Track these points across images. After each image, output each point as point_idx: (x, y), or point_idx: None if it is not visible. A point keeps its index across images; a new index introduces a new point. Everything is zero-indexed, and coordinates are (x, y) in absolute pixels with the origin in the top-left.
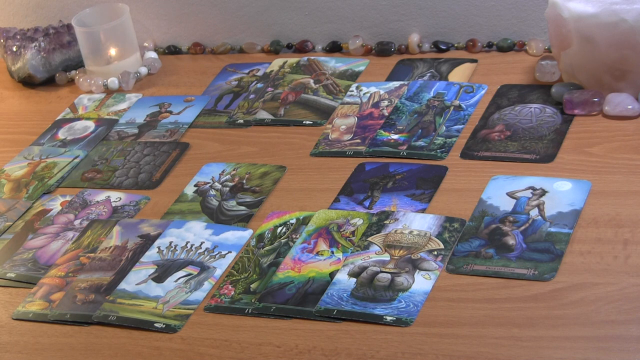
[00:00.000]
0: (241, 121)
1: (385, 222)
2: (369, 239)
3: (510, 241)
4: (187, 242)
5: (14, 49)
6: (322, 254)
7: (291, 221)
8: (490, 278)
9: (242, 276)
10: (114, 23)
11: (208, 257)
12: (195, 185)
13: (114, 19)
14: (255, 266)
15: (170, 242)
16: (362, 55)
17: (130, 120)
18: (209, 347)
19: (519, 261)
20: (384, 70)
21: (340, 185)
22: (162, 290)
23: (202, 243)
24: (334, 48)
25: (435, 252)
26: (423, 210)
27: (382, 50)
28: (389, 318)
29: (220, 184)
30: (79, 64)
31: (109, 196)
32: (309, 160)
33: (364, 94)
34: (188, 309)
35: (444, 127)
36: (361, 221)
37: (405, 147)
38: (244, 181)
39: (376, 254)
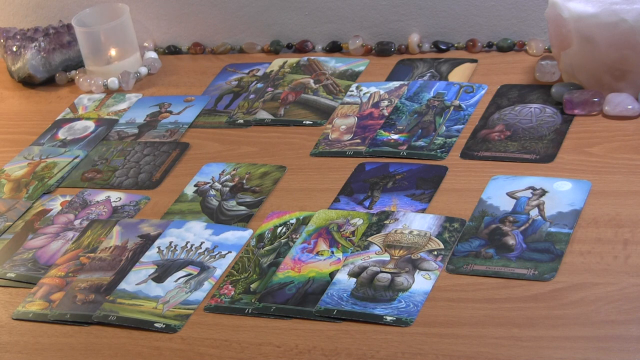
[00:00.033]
0: (241, 121)
1: (385, 222)
2: (369, 239)
3: (510, 241)
4: (187, 242)
5: (14, 49)
6: (322, 254)
7: (291, 221)
8: (490, 278)
9: (242, 276)
10: (114, 23)
11: (208, 257)
12: (195, 185)
13: (114, 19)
14: (255, 266)
15: (170, 242)
16: (362, 55)
17: (130, 120)
18: (209, 347)
19: (519, 261)
20: (384, 70)
21: (340, 185)
22: (162, 290)
23: (202, 243)
24: (334, 48)
25: (435, 252)
26: (423, 210)
27: (382, 50)
28: (389, 318)
29: (220, 184)
30: (79, 64)
31: (109, 196)
32: (309, 160)
33: (364, 94)
34: (188, 309)
35: (444, 127)
36: (361, 221)
37: (405, 147)
38: (244, 181)
39: (376, 254)
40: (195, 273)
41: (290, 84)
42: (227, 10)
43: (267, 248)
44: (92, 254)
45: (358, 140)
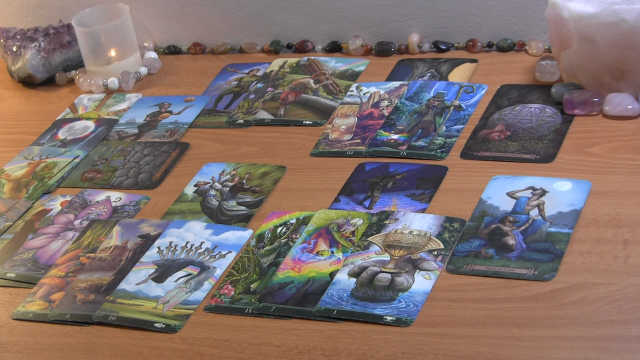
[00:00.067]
0: (241, 121)
1: (385, 222)
2: (369, 239)
3: (510, 241)
4: (187, 242)
5: (14, 49)
6: (322, 254)
7: (291, 221)
8: (490, 278)
9: (242, 276)
10: (114, 23)
11: (208, 257)
12: (195, 185)
13: (114, 19)
14: (255, 266)
15: (170, 242)
16: (362, 55)
17: (130, 120)
18: (209, 347)
19: (519, 261)
20: (384, 70)
21: (340, 185)
22: (162, 290)
23: (202, 243)
24: (334, 48)
25: (435, 252)
26: (423, 210)
27: (382, 50)
28: (389, 318)
29: (220, 184)
30: (79, 64)
31: (109, 196)
32: (309, 160)
33: (364, 94)
34: (188, 309)
35: (444, 127)
36: (361, 221)
37: (405, 147)
38: (244, 181)
39: (376, 254)
40: (195, 273)
41: (290, 84)
42: (227, 10)
43: (267, 248)
44: (92, 254)
45: (358, 140)
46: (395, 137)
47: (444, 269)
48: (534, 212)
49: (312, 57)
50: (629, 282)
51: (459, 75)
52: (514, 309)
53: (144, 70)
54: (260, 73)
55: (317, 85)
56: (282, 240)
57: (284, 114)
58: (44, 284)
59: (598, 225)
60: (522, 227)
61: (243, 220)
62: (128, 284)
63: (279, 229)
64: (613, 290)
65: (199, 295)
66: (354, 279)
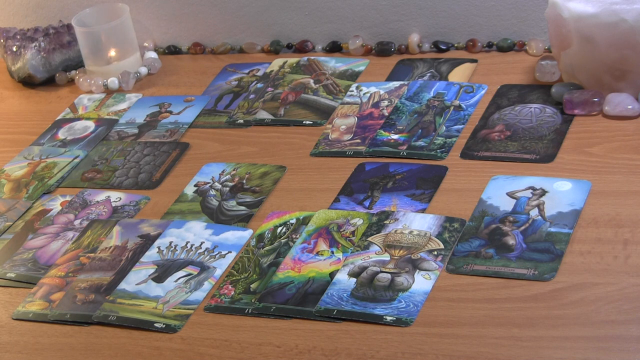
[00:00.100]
0: (241, 121)
1: (385, 222)
2: (369, 239)
3: (510, 241)
4: (187, 242)
5: (14, 49)
6: (322, 254)
7: (291, 221)
8: (490, 278)
9: (242, 276)
10: (114, 23)
11: (208, 257)
12: (195, 185)
13: (114, 19)
14: (255, 266)
15: (170, 242)
16: (362, 55)
17: (130, 120)
18: (209, 347)
19: (519, 261)
20: (384, 70)
21: (340, 185)
22: (162, 290)
23: (202, 243)
24: (334, 48)
25: (435, 252)
26: (423, 210)
27: (382, 50)
28: (389, 318)
29: (220, 184)
30: (79, 64)
31: (109, 196)
32: (309, 160)
33: (364, 94)
34: (188, 309)
35: (444, 127)
36: (361, 221)
37: (405, 147)
38: (244, 181)
39: (376, 254)
40: (195, 273)
41: (290, 84)
42: (227, 10)
43: (267, 248)
44: (92, 254)
45: (358, 140)
46: (395, 137)
47: (444, 269)
48: (534, 212)
49: (312, 57)
50: (629, 282)
51: (459, 75)
52: (514, 309)
53: (144, 70)
54: (260, 73)
55: (317, 85)
56: (282, 240)
57: (284, 114)
58: (44, 284)
59: (598, 225)
60: (522, 227)
61: (243, 220)
62: (128, 284)
63: (279, 229)
64: (613, 290)
65: (199, 295)
66: (354, 279)
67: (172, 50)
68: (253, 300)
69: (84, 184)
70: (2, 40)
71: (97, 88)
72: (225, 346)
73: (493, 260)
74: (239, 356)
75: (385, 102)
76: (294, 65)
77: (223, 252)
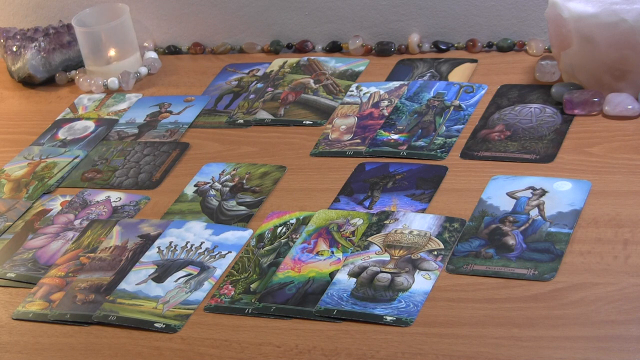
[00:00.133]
0: (241, 121)
1: (385, 222)
2: (369, 239)
3: (510, 241)
4: (187, 242)
5: (14, 49)
6: (322, 254)
7: (291, 221)
8: (490, 278)
9: (242, 276)
10: (114, 23)
11: (208, 257)
12: (195, 185)
13: (114, 19)
14: (255, 266)
15: (170, 242)
16: (362, 55)
17: (130, 120)
18: (209, 347)
19: (519, 261)
20: (384, 70)
21: (340, 185)
22: (162, 290)
23: (202, 243)
24: (334, 48)
25: (435, 252)
26: (423, 210)
27: (382, 50)
28: (389, 318)
29: (220, 184)
30: (79, 64)
31: (109, 196)
32: (309, 160)
33: (364, 94)
34: (188, 309)
35: (444, 127)
36: (361, 221)
37: (405, 147)
38: (244, 181)
39: (376, 254)
40: (195, 273)
41: (290, 84)
42: (227, 10)
43: (267, 248)
44: (92, 254)
45: (358, 140)
46: (395, 137)
47: (444, 269)
48: (534, 212)
49: (312, 57)
50: (629, 282)
51: (459, 75)
52: (514, 309)
53: (144, 70)
54: (260, 73)
55: (317, 85)
56: (282, 240)
57: (284, 114)
58: (44, 284)
59: (598, 225)
60: (522, 227)
61: (243, 220)
62: (128, 284)
63: (279, 229)
64: (613, 290)
65: (199, 295)
66: (354, 279)
67: (172, 50)
68: (253, 300)
69: (84, 184)
70: (2, 40)
71: (97, 88)
72: (225, 346)
73: (493, 260)
74: (239, 356)
75: (385, 102)
76: (294, 65)
77: (223, 252)
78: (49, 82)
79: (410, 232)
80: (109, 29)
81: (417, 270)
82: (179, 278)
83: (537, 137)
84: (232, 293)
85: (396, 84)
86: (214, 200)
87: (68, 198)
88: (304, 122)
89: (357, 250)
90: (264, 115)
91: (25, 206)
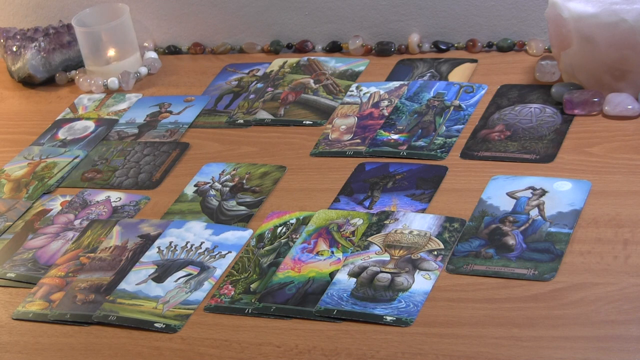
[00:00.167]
0: (241, 121)
1: (385, 222)
2: (369, 239)
3: (510, 241)
4: (187, 242)
5: (14, 49)
6: (322, 254)
7: (291, 221)
8: (490, 278)
9: (242, 276)
10: (114, 23)
11: (208, 257)
12: (195, 185)
13: (114, 19)
14: (255, 266)
15: (170, 242)
16: (362, 55)
17: (130, 120)
18: (209, 347)
19: (519, 261)
20: (384, 70)
21: (340, 185)
22: (162, 290)
23: (202, 243)
24: (334, 48)
25: (435, 252)
26: (423, 210)
27: (382, 50)
28: (389, 318)
29: (220, 184)
30: (79, 64)
31: (109, 196)
32: (309, 160)
33: (364, 94)
34: (188, 309)
35: (444, 127)
36: (361, 221)
37: (405, 147)
38: (244, 181)
39: (376, 254)
40: (195, 273)
41: (290, 84)
42: (227, 10)
43: (267, 248)
44: (92, 254)
45: (358, 140)
46: (395, 137)
47: (444, 269)
48: (534, 212)
49: (312, 57)
50: (629, 282)
51: (459, 75)
52: (514, 309)
53: (144, 70)
54: (260, 73)
55: (317, 85)
56: (282, 240)
57: (284, 114)
58: (44, 284)
59: (598, 225)
60: (522, 227)
61: (243, 220)
62: (128, 284)
63: (279, 229)
64: (613, 290)
65: (199, 295)
66: (354, 279)
67: (172, 50)
68: (253, 300)
69: (84, 184)
70: (2, 40)
71: (97, 88)
72: (225, 346)
73: (493, 260)
74: (239, 356)
75: (385, 102)
76: (294, 65)
77: (223, 252)
78: (49, 82)
79: (410, 232)
80: (109, 29)
81: (417, 270)
82: (179, 278)
83: (537, 137)
84: (232, 293)
85: (396, 84)
86: (214, 200)
87: (68, 198)
88: (304, 122)
89: (357, 250)
90: (264, 115)
91: (25, 206)
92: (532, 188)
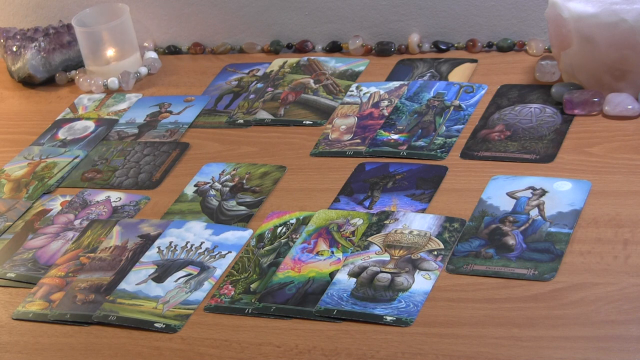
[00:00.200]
0: (241, 121)
1: (385, 222)
2: (369, 239)
3: (510, 241)
4: (187, 242)
5: (14, 49)
6: (322, 254)
7: (291, 221)
8: (490, 278)
9: (242, 276)
10: (114, 23)
11: (208, 257)
12: (195, 185)
13: (114, 19)
14: (255, 266)
15: (170, 242)
16: (362, 55)
17: (130, 120)
18: (209, 347)
19: (519, 261)
20: (384, 70)
21: (340, 185)
22: (162, 290)
23: (202, 243)
24: (334, 48)
25: (435, 252)
26: (423, 210)
27: (382, 50)
28: (389, 318)
29: (220, 184)
30: (79, 64)
31: (109, 196)
32: (309, 160)
33: (364, 94)
34: (188, 309)
35: (444, 127)
36: (361, 221)
37: (405, 147)
38: (244, 181)
39: (376, 254)
40: (195, 273)
41: (290, 84)
42: (227, 10)
43: (267, 248)
44: (92, 254)
45: (358, 140)
46: (395, 137)
47: (444, 269)
48: (534, 212)
49: (312, 57)
50: (629, 282)
51: (459, 75)
52: (514, 309)
53: (144, 70)
54: (260, 73)
55: (317, 85)
56: (282, 240)
57: (284, 114)
58: (44, 284)
59: (598, 225)
60: (522, 227)
61: (243, 220)
62: (128, 284)
63: (279, 229)
64: (613, 290)
65: (199, 295)
66: (354, 279)
67: (172, 50)
68: (253, 300)
69: (84, 184)
70: (2, 40)
71: (97, 88)
72: (225, 346)
73: (493, 260)
74: (239, 356)
75: (385, 102)
76: (294, 65)
77: (223, 252)
78: (49, 82)
79: (410, 232)
80: (109, 29)
81: (417, 270)
82: (179, 278)
83: (537, 137)
84: (232, 293)
85: (396, 84)
86: (214, 200)
87: (68, 198)
88: (304, 122)
89: (357, 250)
90: (264, 115)
91: (25, 206)
92: (532, 188)
